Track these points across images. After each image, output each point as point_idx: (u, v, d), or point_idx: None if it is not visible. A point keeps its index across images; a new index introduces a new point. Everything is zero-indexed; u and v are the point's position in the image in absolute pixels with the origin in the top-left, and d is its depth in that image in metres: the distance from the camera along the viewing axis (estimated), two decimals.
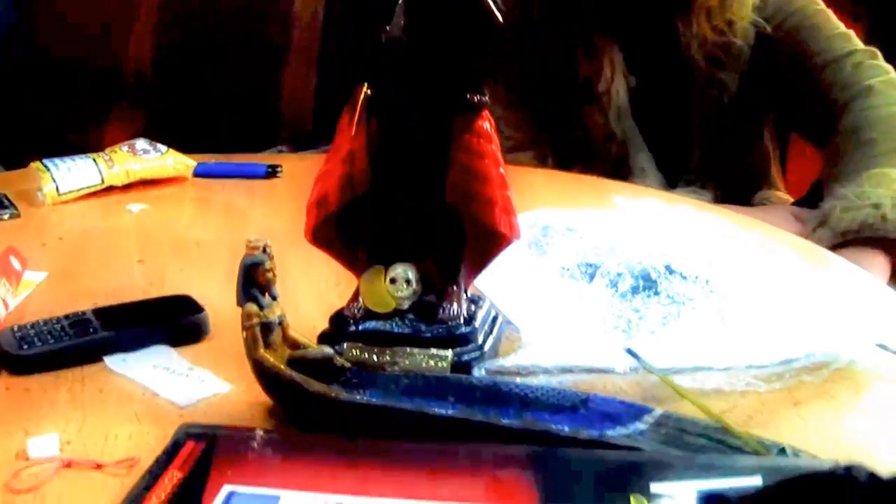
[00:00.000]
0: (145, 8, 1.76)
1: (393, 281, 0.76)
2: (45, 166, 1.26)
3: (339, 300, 0.80)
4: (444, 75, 0.74)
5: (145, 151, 1.32)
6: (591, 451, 0.63)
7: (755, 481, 0.56)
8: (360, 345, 0.76)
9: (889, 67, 1.49)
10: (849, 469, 0.42)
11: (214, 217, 1.24)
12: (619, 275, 0.86)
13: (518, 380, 0.74)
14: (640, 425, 0.67)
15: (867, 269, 1.15)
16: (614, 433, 0.66)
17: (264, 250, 0.70)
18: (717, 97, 1.57)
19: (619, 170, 1.55)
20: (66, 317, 0.86)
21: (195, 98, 1.75)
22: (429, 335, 0.76)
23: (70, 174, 1.25)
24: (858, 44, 1.52)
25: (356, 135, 0.76)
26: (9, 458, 0.67)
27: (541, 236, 0.93)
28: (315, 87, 1.81)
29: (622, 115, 1.57)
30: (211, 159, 1.39)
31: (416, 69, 0.74)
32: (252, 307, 0.70)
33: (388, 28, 0.72)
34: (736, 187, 1.62)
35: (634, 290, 0.86)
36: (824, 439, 0.70)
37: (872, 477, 0.42)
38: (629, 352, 0.74)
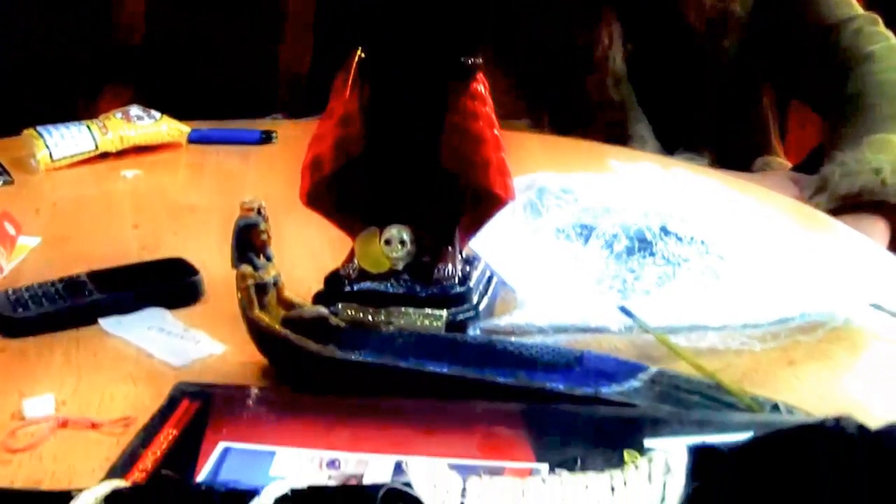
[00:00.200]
0: None
1: (388, 242, 0.76)
2: (39, 133, 1.26)
3: (333, 262, 0.80)
4: (438, 38, 0.74)
5: (139, 118, 1.31)
6: (585, 408, 0.63)
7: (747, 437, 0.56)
8: (354, 305, 0.76)
9: (890, 34, 1.48)
10: (838, 421, 0.42)
11: (209, 182, 1.24)
12: (615, 236, 0.86)
13: (513, 339, 0.74)
14: (634, 383, 0.67)
15: (867, 235, 1.15)
16: (609, 390, 0.66)
17: (259, 212, 0.70)
18: (715, 64, 1.56)
19: (617, 137, 1.54)
20: (61, 280, 0.86)
21: (190, 69, 1.74)
22: (423, 295, 0.75)
23: (63, 141, 1.25)
24: (859, 10, 1.51)
25: (350, 98, 0.75)
26: (5, 419, 0.67)
27: (536, 199, 0.92)
28: (311, 54, 1.80)
29: (620, 81, 1.56)
30: (205, 125, 1.39)
31: (410, 32, 0.73)
32: (247, 268, 0.70)
33: None
34: (735, 154, 1.62)
35: (630, 251, 0.85)
36: (819, 398, 0.70)
37: (861, 429, 0.42)
38: (623, 310, 0.73)
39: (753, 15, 1.53)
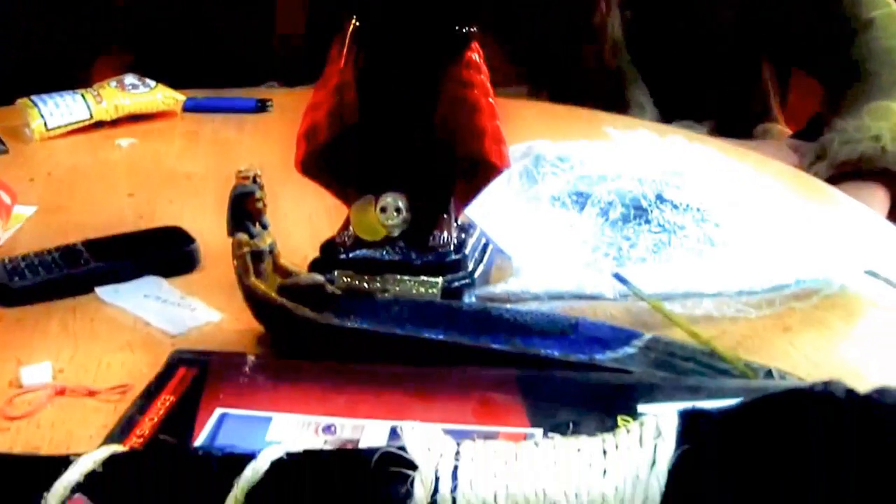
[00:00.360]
0: None
1: (383, 210, 0.76)
2: (34, 102, 1.25)
3: (329, 230, 0.80)
4: (433, 7, 0.73)
5: (134, 86, 1.31)
6: (580, 374, 0.64)
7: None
8: (350, 272, 0.76)
9: (890, 0, 1.47)
10: (827, 385, 0.43)
11: (204, 151, 1.23)
12: (610, 203, 0.86)
13: (508, 306, 0.74)
14: (628, 349, 0.67)
15: (866, 203, 1.14)
16: (603, 357, 0.66)
17: (254, 180, 0.70)
18: (715, 31, 1.56)
19: (615, 105, 1.54)
20: (57, 249, 0.86)
21: (184, 38, 1.73)
22: (419, 262, 0.75)
23: (58, 110, 1.25)
24: None
25: (345, 66, 0.75)
26: (3, 387, 0.67)
27: (532, 166, 0.92)
28: (306, 23, 1.79)
29: (618, 49, 1.56)
30: (200, 94, 1.38)
31: (405, 1, 0.73)
32: (243, 236, 0.70)
33: None
34: (735, 121, 1.61)
35: (625, 219, 0.85)
36: (814, 365, 0.70)
37: (850, 393, 0.42)
38: (617, 276, 0.74)
39: None
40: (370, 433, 0.58)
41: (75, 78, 1.50)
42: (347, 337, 0.68)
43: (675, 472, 0.42)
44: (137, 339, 0.74)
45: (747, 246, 0.83)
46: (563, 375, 0.63)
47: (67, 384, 0.67)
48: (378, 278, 0.75)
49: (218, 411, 0.61)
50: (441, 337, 0.67)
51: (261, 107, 1.36)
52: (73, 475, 0.46)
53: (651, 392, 0.61)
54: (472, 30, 0.74)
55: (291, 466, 0.46)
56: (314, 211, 0.94)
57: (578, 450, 0.45)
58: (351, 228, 0.77)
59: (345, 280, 0.76)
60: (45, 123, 1.24)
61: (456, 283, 0.75)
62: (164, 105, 1.33)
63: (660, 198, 0.86)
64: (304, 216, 0.94)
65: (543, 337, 0.68)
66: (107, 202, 1.05)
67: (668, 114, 1.58)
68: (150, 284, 0.83)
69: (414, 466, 0.44)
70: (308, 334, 0.69)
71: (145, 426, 0.59)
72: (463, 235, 0.79)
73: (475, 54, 0.74)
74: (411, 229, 0.77)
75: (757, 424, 0.43)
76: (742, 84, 1.66)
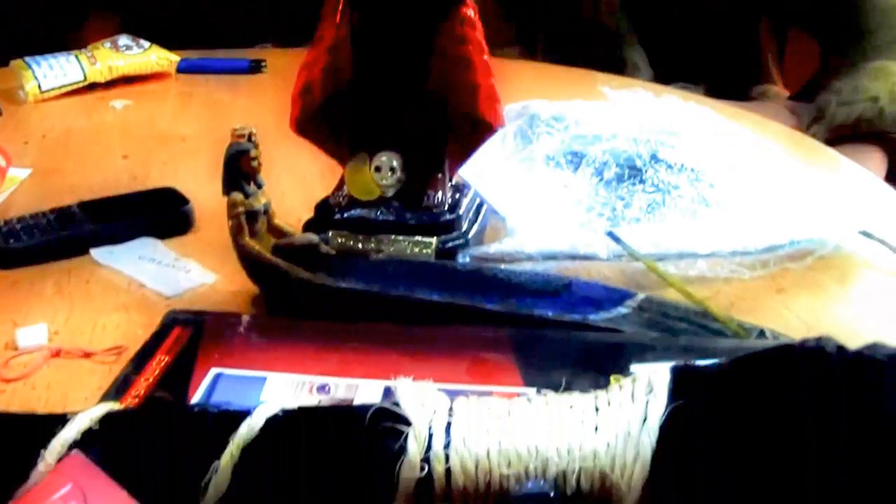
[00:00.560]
0: None
1: (378, 169, 0.75)
2: (27, 64, 1.25)
3: (323, 191, 0.80)
4: None
5: (128, 47, 1.31)
6: (573, 333, 0.64)
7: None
8: (345, 232, 0.76)
9: None
10: (818, 341, 0.43)
11: (198, 112, 1.23)
12: (605, 163, 0.86)
13: (502, 266, 0.74)
14: (622, 310, 0.67)
15: (863, 165, 1.14)
16: (597, 317, 0.66)
17: (249, 138, 0.69)
18: None
19: (611, 66, 1.53)
20: (52, 211, 0.86)
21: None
22: (413, 222, 0.75)
23: (52, 71, 1.24)
24: None
25: (339, 24, 0.75)
26: None
27: (527, 126, 0.92)
28: None
29: (614, 8, 1.55)
30: (194, 55, 1.38)
31: None
32: (237, 195, 0.69)
33: None
34: (731, 82, 1.61)
35: (619, 179, 0.85)
36: (807, 325, 0.71)
37: (841, 350, 0.43)
38: (611, 235, 0.73)
39: None
40: (364, 392, 0.58)
41: (66, 40, 1.50)
42: (341, 297, 0.68)
43: (666, 429, 0.43)
44: (132, 300, 0.74)
45: (742, 206, 0.83)
46: (557, 335, 0.64)
47: (63, 346, 0.67)
48: (372, 238, 0.75)
49: (213, 371, 0.61)
50: (435, 297, 0.67)
51: (255, 67, 1.36)
52: (69, 432, 0.46)
53: (644, 352, 0.61)
54: None
55: (286, 423, 0.46)
56: (308, 172, 0.94)
57: (571, 406, 0.45)
58: (345, 188, 0.77)
59: (339, 240, 0.76)
60: (40, 85, 1.23)
61: (450, 244, 0.75)
62: (158, 66, 1.32)
63: (654, 158, 0.86)
64: (298, 177, 0.94)
65: (537, 297, 0.68)
66: (101, 164, 1.05)
67: (664, 75, 1.57)
68: (145, 246, 0.83)
69: (407, 422, 0.45)
70: (302, 294, 0.69)
71: (141, 386, 0.59)
72: (457, 195, 0.79)
73: (470, 10, 0.73)
74: (405, 189, 0.77)
75: (748, 380, 0.43)
76: (739, 45, 1.66)
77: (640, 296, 0.69)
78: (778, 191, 0.86)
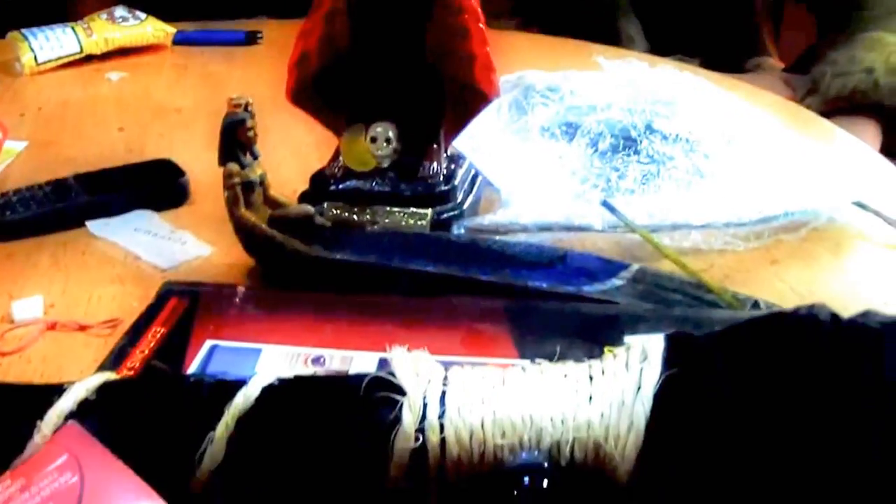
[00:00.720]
0: None
1: (373, 140, 0.75)
2: (24, 36, 1.24)
3: (319, 163, 0.80)
4: None
5: (124, 19, 1.30)
6: (568, 304, 0.64)
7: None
8: (340, 204, 0.76)
9: None
10: (811, 309, 0.43)
11: (194, 84, 1.22)
12: (600, 134, 0.86)
13: (497, 237, 0.74)
14: (616, 281, 0.67)
15: (858, 138, 1.14)
16: (591, 289, 0.66)
17: (246, 108, 0.69)
18: None
19: (607, 38, 1.52)
20: (48, 183, 0.85)
21: None
22: (408, 193, 0.75)
23: (48, 43, 1.24)
24: None
25: None
26: None
27: (522, 97, 0.92)
28: None
29: None
30: (190, 27, 1.37)
31: None
32: (233, 166, 0.69)
33: None
34: (727, 55, 1.60)
35: (614, 150, 0.85)
36: (801, 297, 0.71)
37: (835, 318, 0.43)
38: (605, 204, 0.73)
39: None
40: (359, 364, 0.59)
41: (63, 10, 1.49)
42: (337, 269, 0.68)
43: (660, 398, 0.43)
44: (128, 273, 0.75)
45: (736, 177, 0.83)
46: (551, 307, 0.64)
47: (58, 319, 0.68)
48: (367, 210, 0.76)
49: (208, 343, 0.61)
50: (430, 268, 0.67)
51: (251, 39, 1.35)
52: (66, 403, 0.46)
53: (638, 323, 0.61)
54: None
55: (282, 393, 0.46)
56: (304, 143, 0.94)
57: (565, 375, 0.45)
58: (341, 159, 0.77)
59: (334, 212, 0.76)
60: (36, 57, 1.23)
61: (445, 215, 0.75)
62: (154, 38, 1.32)
63: (649, 128, 0.86)
64: (294, 149, 0.94)
65: (532, 268, 0.68)
66: (97, 136, 1.05)
67: (659, 47, 1.56)
68: (141, 218, 0.83)
69: (402, 392, 0.45)
70: (297, 266, 0.69)
71: (136, 358, 0.60)
72: (452, 166, 0.79)
73: None
74: (401, 160, 0.77)
75: (742, 348, 0.43)
76: (735, 17, 1.65)
77: (635, 267, 0.69)
78: (772, 162, 0.86)
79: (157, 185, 0.86)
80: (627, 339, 0.59)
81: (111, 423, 0.46)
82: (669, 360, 0.44)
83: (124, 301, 0.70)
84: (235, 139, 0.69)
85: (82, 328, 0.67)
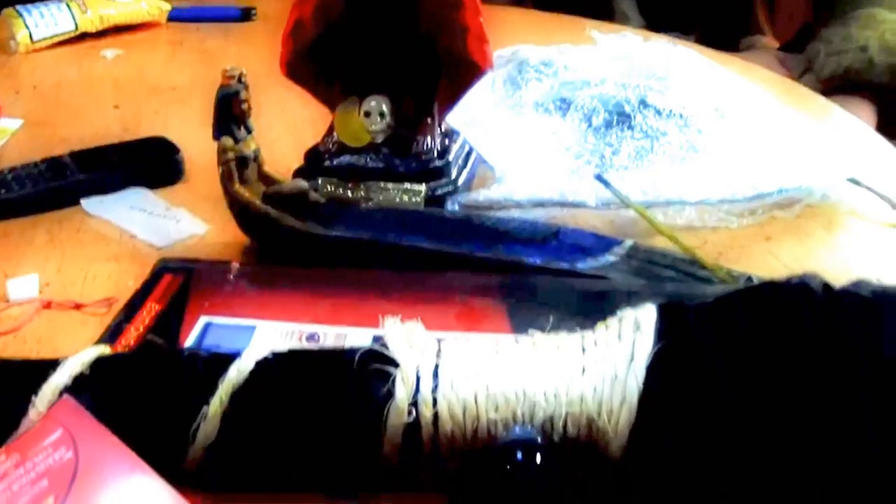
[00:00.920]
0: None
1: (367, 114, 0.75)
2: (19, 13, 1.24)
3: (314, 140, 0.80)
4: None
5: None
6: (562, 280, 0.64)
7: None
8: (334, 180, 0.76)
9: None
10: (803, 278, 0.43)
11: (189, 61, 1.22)
12: (593, 109, 0.86)
13: (491, 213, 0.74)
14: (609, 257, 0.67)
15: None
16: (584, 265, 0.66)
17: (240, 79, 0.68)
18: None
19: (601, 15, 1.52)
20: (43, 161, 0.85)
21: None
22: (402, 169, 0.75)
23: (43, 20, 1.23)
24: None
25: None
26: None
27: (516, 73, 0.92)
28: None
29: None
30: (185, 3, 1.37)
31: None
32: (227, 141, 0.69)
33: None
34: (720, 34, 1.59)
35: (608, 125, 0.85)
36: (794, 274, 0.71)
37: (827, 288, 0.43)
38: (598, 178, 0.73)
39: None
40: (353, 341, 0.59)
41: None
42: (331, 245, 0.68)
43: (652, 370, 0.43)
44: (123, 251, 0.74)
45: (730, 153, 0.83)
46: (545, 282, 0.64)
47: (54, 298, 0.67)
48: (362, 186, 0.75)
49: (202, 320, 0.61)
50: (424, 245, 0.67)
51: (245, 15, 1.35)
52: (60, 377, 0.47)
53: (632, 299, 0.60)
54: None
55: (275, 366, 0.46)
56: (299, 120, 0.94)
57: (558, 347, 0.46)
58: (335, 134, 0.77)
59: (328, 188, 0.76)
60: (31, 35, 1.22)
61: (439, 191, 0.75)
62: (150, 15, 1.31)
63: (643, 103, 0.86)
64: (289, 125, 0.94)
65: (525, 244, 0.68)
66: (92, 114, 1.04)
67: (653, 25, 1.56)
68: (136, 196, 0.82)
69: (395, 365, 0.45)
70: (292, 242, 0.69)
71: (131, 335, 0.60)
72: (447, 142, 0.79)
73: None
74: (395, 135, 0.76)
75: (735, 316, 0.43)
76: None
77: (628, 243, 0.69)
78: (767, 138, 0.85)
79: (151, 163, 0.86)
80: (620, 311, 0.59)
81: (106, 397, 0.46)
82: (662, 331, 0.44)
83: (119, 279, 0.70)
84: (230, 112, 0.69)
85: (78, 307, 0.67)
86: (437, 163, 0.76)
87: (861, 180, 0.80)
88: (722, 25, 1.62)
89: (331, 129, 0.78)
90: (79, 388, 0.46)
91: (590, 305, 0.60)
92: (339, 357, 0.47)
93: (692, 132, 0.83)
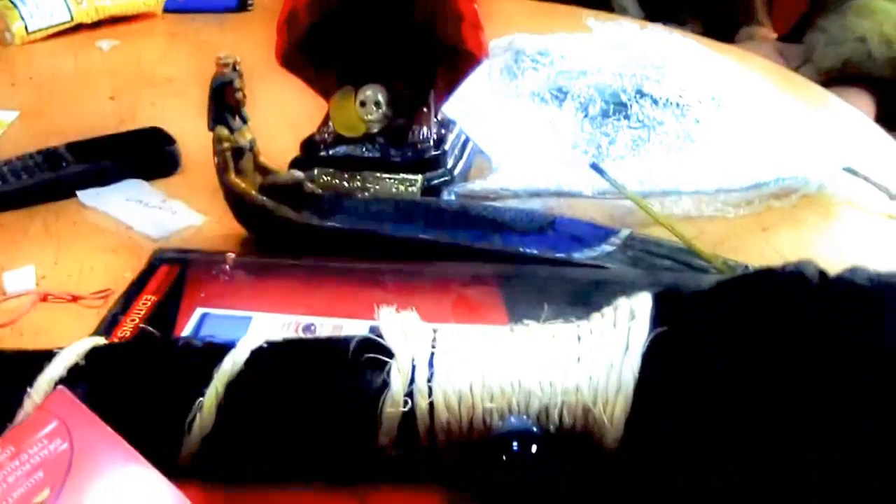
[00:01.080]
0: None
1: (363, 104, 0.75)
2: (14, 4, 1.23)
3: (310, 130, 0.80)
4: None
5: None
6: (558, 270, 0.64)
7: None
8: (330, 170, 0.76)
9: None
10: (798, 266, 0.43)
11: (185, 52, 1.22)
12: (590, 98, 0.85)
13: (487, 203, 0.74)
14: (606, 247, 0.67)
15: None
16: (581, 255, 0.66)
17: (234, 67, 0.68)
18: None
19: (600, 6, 1.52)
20: (39, 153, 0.85)
21: None
22: (398, 159, 0.75)
23: (39, 11, 1.23)
24: None
25: None
26: None
27: (512, 62, 0.91)
28: None
29: None
30: None
31: None
32: (223, 131, 0.68)
33: None
34: (719, 24, 1.59)
35: (605, 114, 0.85)
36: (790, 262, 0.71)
37: (822, 275, 0.43)
38: (594, 167, 0.73)
39: None
40: (349, 332, 0.58)
41: None
42: (327, 236, 0.68)
43: (648, 358, 0.43)
44: (119, 243, 0.74)
45: (727, 143, 0.82)
46: (542, 271, 0.64)
47: (50, 290, 0.67)
48: (358, 176, 0.75)
49: (199, 311, 0.61)
50: (420, 235, 0.67)
51: (242, 5, 1.35)
52: (56, 369, 0.47)
53: (629, 289, 0.60)
54: None
55: (270, 356, 0.46)
56: (295, 111, 0.93)
57: (553, 336, 0.46)
58: (331, 124, 0.77)
59: (324, 179, 0.76)
60: (26, 26, 1.22)
61: (435, 181, 0.75)
62: (145, 5, 1.31)
63: (640, 92, 0.86)
64: (285, 116, 0.94)
65: (522, 234, 0.68)
66: (88, 106, 1.04)
67: (652, 16, 1.56)
68: (132, 187, 0.82)
69: (391, 354, 0.45)
70: (288, 233, 0.69)
71: (127, 326, 0.60)
72: (443, 131, 0.78)
73: None
74: (391, 125, 0.76)
75: (730, 303, 0.43)
76: None
77: (625, 233, 0.69)
78: (763, 127, 0.85)
79: (148, 154, 0.86)
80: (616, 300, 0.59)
81: (101, 388, 0.46)
82: (657, 319, 0.44)
83: (116, 271, 0.70)
84: (224, 101, 0.68)
85: (74, 299, 0.67)
86: (434, 152, 0.76)
87: (858, 170, 0.79)
88: (720, 16, 1.61)
89: (327, 119, 0.78)
90: (74, 379, 0.46)
91: (586, 295, 0.60)
92: (335, 347, 0.47)
93: (689, 121, 0.83)
